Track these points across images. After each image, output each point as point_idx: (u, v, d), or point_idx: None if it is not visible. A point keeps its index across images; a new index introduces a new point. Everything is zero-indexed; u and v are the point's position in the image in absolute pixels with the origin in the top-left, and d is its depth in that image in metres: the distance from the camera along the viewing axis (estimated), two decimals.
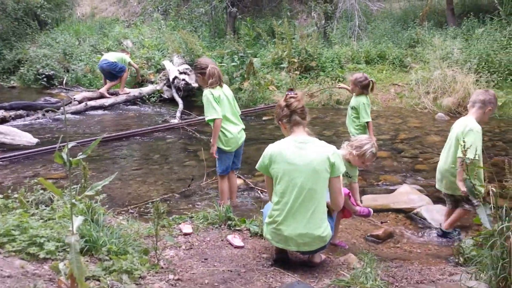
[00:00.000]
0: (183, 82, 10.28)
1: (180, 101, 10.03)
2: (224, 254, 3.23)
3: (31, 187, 3.72)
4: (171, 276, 2.73)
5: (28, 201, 3.46)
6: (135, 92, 10.70)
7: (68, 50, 13.59)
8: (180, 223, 3.78)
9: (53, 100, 9.77)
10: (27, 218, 2.94)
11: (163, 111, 9.98)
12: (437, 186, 4.13)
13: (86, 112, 9.60)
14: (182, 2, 16.60)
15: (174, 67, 10.91)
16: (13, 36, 15.12)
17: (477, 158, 3.31)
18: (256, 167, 3.18)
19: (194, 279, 2.77)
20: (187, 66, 10.83)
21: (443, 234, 4.05)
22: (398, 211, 4.68)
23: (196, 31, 14.19)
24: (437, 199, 4.83)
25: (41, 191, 3.66)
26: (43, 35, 15.30)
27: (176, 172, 5.99)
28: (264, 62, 11.64)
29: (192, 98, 10.63)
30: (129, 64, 10.75)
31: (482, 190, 2.94)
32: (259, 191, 5.22)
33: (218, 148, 4.49)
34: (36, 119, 8.76)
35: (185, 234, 3.56)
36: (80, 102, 9.74)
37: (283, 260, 3.15)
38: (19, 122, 8.50)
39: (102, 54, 12.24)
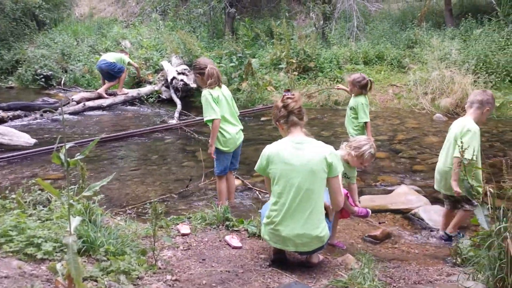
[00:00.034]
0: (182, 82, 10.28)
1: (178, 101, 10.03)
2: (222, 255, 3.23)
3: (28, 187, 3.72)
4: (168, 277, 2.73)
5: (25, 202, 3.46)
6: (133, 92, 10.69)
7: (66, 50, 13.59)
8: (178, 224, 3.78)
9: (51, 100, 9.76)
10: (24, 218, 2.93)
11: (161, 111, 9.98)
12: (435, 187, 4.12)
13: (84, 113, 9.58)
14: (180, 3, 16.61)
15: (173, 68, 10.91)
16: (11, 36, 15.10)
17: (474, 158, 3.32)
18: (255, 168, 3.19)
19: (192, 280, 2.77)
20: (185, 67, 10.83)
21: (449, 238, 4.04)
22: (396, 211, 4.69)
23: (195, 32, 14.19)
24: (435, 199, 4.84)
25: (39, 192, 3.65)
26: (41, 36, 15.31)
27: (174, 173, 5.98)
28: (263, 62, 11.65)
29: (190, 99, 10.63)
30: (129, 63, 10.75)
31: (481, 190, 2.94)
32: (257, 192, 5.23)
33: (216, 148, 4.49)
34: (34, 120, 8.75)
35: (183, 235, 3.56)
36: (78, 102, 9.73)
37: (281, 260, 3.15)
38: (17, 122, 8.49)
39: (100, 55, 12.24)
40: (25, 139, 7.03)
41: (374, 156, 3.72)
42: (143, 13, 17.97)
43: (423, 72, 9.98)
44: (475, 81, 9.11)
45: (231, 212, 4.03)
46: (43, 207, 3.42)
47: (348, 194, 3.61)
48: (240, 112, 4.83)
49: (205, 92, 4.37)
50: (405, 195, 4.95)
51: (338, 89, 6.96)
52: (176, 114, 9.20)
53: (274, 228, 3.00)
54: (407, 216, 4.60)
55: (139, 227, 3.53)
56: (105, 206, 3.66)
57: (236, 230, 3.73)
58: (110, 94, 10.42)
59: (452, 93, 9.05)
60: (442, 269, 3.23)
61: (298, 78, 10.89)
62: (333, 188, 3.08)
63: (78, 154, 2.00)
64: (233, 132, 4.51)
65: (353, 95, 5.59)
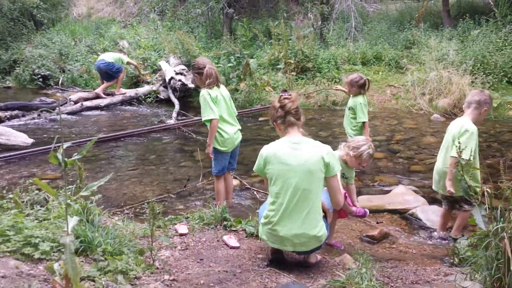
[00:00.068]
0: (179, 82, 10.27)
1: (176, 101, 10.02)
2: (219, 255, 3.23)
3: (26, 187, 3.71)
4: (166, 277, 2.73)
5: (23, 202, 3.45)
6: (131, 92, 10.69)
7: (64, 50, 13.57)
8: (175, 224, 3.78)
9: (49, 100, 9.75)
10: (22, 218, 2.93)
11: (159, 111, 9.97)
12: (434, 187, 4.12)
13: (82, 113, 9.57)
14: (178, 3, 16.60)
15: (171, 68, 10.90)
16: (9, 36, 15.07)
17: (471, 159, 3.32)
18: (253, 169, 3.20)
19: (189, 280, 2.76)
20: (183, 67, 10.82)
21: (455, 241, 4.04)
22: (393, 211, 4.69)
23: (193, 32, 14.18)
24: (432, 200, 4.85)
25: (36, 192, 3.65)
26: (39, 35, 15.28)
27: (172, 173, 5.98)
28: (261, 63, 11.65)
29: (188, 99, 10.62)
30: (128, 63, 10.76)
31: (478, 190, 2.94)
32: (255, 192, 5.23)
33: (214, 148, 4.49)
34: (31, 120, 8.73)
35: (181, 235, 3.56)
36: (75, 102, 9.72)
37: (279, 260, 3.15)
38: (15, 122, 8.47)
39: (98, 55, 12.23)
40: (23, 139, 7.02)
41: (372, 157, 3.73)
42: (141, 13, 17.95)
43: (421, 72, 10.00)
44: (472, 82, 9.13)
45: (229, 212, 4.03)
46: (41, 207, 3.41)
47: (346, 194, 3.62)
48: (238, 112, 4.84)
49: (204, 92, 4.37)
50: (402, 195, 4.96)
51: (336, 90, 6.98)
52: (174, 114, 9.19)
53: (272, 228, 3.01)
54: (404, 216, 4.61)
55: (137, 227, 3.53)
56: (102, 206, 3.65)
57: (234, 230, 3.73)
58: (108, 94, 10.41)
59: (450, 93, 9.06)
60: (439, 269, 3.24)
61: (296, 79, 10.90)
62: (332, 188, 3.09)
63: (76, 154, 2.00)
64: (231, 132, 4.51)
65: (351, 95, 5.60)
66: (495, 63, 9.64)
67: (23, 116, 8.81)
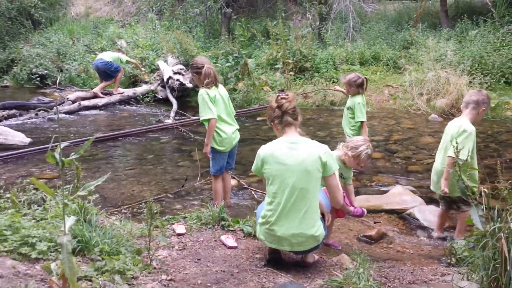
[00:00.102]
0: (177, 82, 10.26)
1: (174, 101, 10.02)
2: (217, 255, 3.23)
3: (23, 187, 3.70)
4: (164, 277, 2.73)
5: (20, 201, 3.44)
6: (129, 92, 10.67)
7: (62, 49, 13.54)
8: (173, 224, 3.77)
9: (46, 99, 9.72)
10: (19, 218, 2.92)
11: (157, 111, 9.95)
12: (432, 188, 4.12)
13: (80, 112, 9.54)
14: (176, 2, 16.58)
15: (169, 67, 10.89)
16: (7, 35, 15.03)
17: (468, 159, 3.33)
18: (251, 170, 3.20)
19: (187, 280, 2.76)
20: (181, 66, 10.81)
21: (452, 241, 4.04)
22: (391, 211, 4.70)
23: (191, 32, 14.17)
24: (430, 200, 4.86)
25: (34, 191, 3.64)
26: (37, 35, 15.24)
27: (170, 172, 5.98)
28: (259, 62, 11.65)
29: (186, 99, 10.61)
30: (127, 61, 10.75)
31: (475, 190, 2.95)
32: (252, 192, 5.23)
33: (212, 148, 4.49)
34: (29, 119, 8.71)
35: (178, 235, 3.56)
36: (73, 102, 9.69)
37: (276, 260, 3.15)
38: (12, 121, 8.45)
39: (96, 54, 12.20)
40: (20, 138, 7.00)
41: (370, 157, 3.74)
42: (139, 12, 17.93)
43: (419, 73, 10.01)
44: (470, 82, 9.15)
45: (227, 212, 4.03)
46: (38, 206, 3.41)
47: (344, 194, 3.62)
48: (236, 112, 4.83)
49: (202, 92, 4.37)
50: (400, 195, 4.97)
51: (334, 90, 6.98)
52: (172, 114, 9.18)
53: (269, 228, 3.01)
54: (402, 216, 4.62)
55: (134, 227, 3.53)
56: (100, 206, 3.64)
57: (231, 230, 3.73)
58: (106, 94, 10.40)
59: (448, 94, 9.08)
60: (436, 269, 3.25)
61: (294, 79, 10.90)
62: (331, 186, 3.10)
63: (73, 153, 2.00)
64: (229, 132, 4.51)
65: (350, 95, 5.61)
66: (493, 63, 9.66)
67: (21, 115, 8.79)
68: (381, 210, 4.73)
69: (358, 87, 5.47)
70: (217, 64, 10.85)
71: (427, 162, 6.17)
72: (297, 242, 2.99)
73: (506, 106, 9.00)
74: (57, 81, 12.31)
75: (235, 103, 9.12)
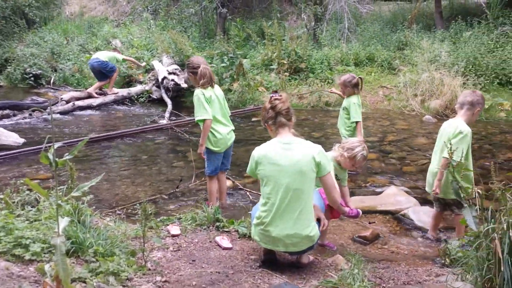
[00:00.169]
0: (172, 82, 10.24)
1: (169, 101, 9.99)
2: (212, 256, 3.23)
3: (17, 187, 3.68)
4: (158, 278, 2.72)
5: (13, 202, 3.42)
6: (123, 92, 10.63)
7: (56, 49, 13.48)
8: (168, 225, 3.76)
9: (40, 99, 9.67)
10: (12, 219, 2.91)
11: (152, 111, 9.93)
12: (427, 189, 4.10)
13: (74, 112, 9.50)
14: (172, 2, 16.54)
15: (163, 67, 10.87)
16: (0, 34, 14.92)
17: (463, 160, 3.34)
18: (246, 171, 3.20)
19: (181, 281, 2.76)
20: (176, 67, 10.79)
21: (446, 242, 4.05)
22: (385, 212, 4.71)
23: (186, 32, 14.14)
24: (424, 200, 4.88)
25: (27, 192, 3.62)
26: (31, 34, 15.16)
27: (165, 173, 5.96)
28: (254, 63, 11.65)
29: (181, 99, 10.59)
30: (123, 60, 10.72)
31: (470, 191, 2.96)
32: (247, 193, 5.22)
33: (207, 148, 4.48)
34: (23, 119, 8.66)
35: (173, 236, 3.55)
36: (67, 102, 9.64)
37: (271, 261, 3.15)
38: (6, 121, 8.39)
39: (90, 54, 12.15)
40: (14, 138, 6.95)
41: (366, 158, 3.75)
42: (134, 12, 17.88)
43: (413, 74, 10.05)
44: (464, 83, 9.20)
45: (222, 212, 4.03)
46: (32, 207, 3.39)
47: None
48: (231, 113, 4.83)
49: (198, 92, 4.36)
50: (394, 196, 4.98)
51: (331, 92, 7.00)
52: (167, 114, 9.16)
53: (264, 228, 3.01)
54: (396, 217, 4.63)
55: (129, 228, 3.52)
56: (94, 207, 3.62)
57: (226, 231, 3.73)
58: (100, 94, 10.36)
59: (442, 95, 9.12)
60: (431, 269, 3.26)
61: (289, 79, 10.91)
62: (327, 186, 3.11)
63: (67, 154, 1.99)
64: (224, 132, 4.50)
65: (346, 96, 5.62)
66: (487, 64, 9.72)
67: (14, 115, 8.74)
68: (376, 211, 4.73)
69: (353, 87, 5.48)
70: (212, 65, 10.83)
71: (421, 163, 6.20)
72: (291, 243, 2.99)
73: (499, 107, 9.06)
74: (51, 81, 12.25)
75: (230, 103, 9.11)
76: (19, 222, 2.89)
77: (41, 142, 6.86)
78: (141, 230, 2.92)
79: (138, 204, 4.31)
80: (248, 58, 11.78)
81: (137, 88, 10.92)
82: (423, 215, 4.50)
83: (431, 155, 4.13)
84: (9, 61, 13.13)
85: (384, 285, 2.90)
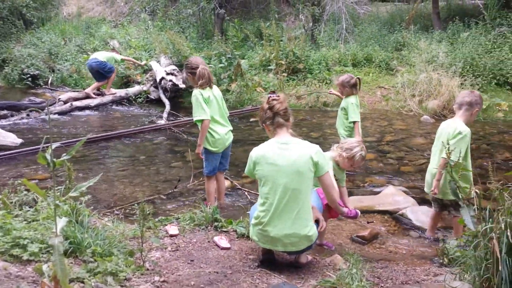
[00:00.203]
0: (170, 83, 10.23)
1: (167, 102, 9.99)
2: (210, 256, 3.23)
3: (14, 188, 3.68)
4: (156, 278, 2.71)
5: (11, 202, 3.42)
6: (121, 92, 10.62)
7: (53, 50, 13.44)
8: (166, 225, 3.76)
9: (38, 100, 9.66)
10: (10, 219, 2.90)
11: (150, 112, 9.92)
12: (426, 190, 4.10)
13: (72, 113, 9.48)
14: (169, 3, 16.53)
15: (161, 68, 10.86)
16: None
17: (460, 160, 3.34)
18: (244, 172, 3.20)
19: (180, 281, 2.75)
20: (174, 67, 10.79)
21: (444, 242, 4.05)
22: (383, 212, 4.72)
23: (184, 32, 14.14)
24: (422, 200, 4.89)
25: (25, 192, 3.62)
26: (29, 35, 15.13)
27: (163, 173, 5.96)
28: (252, 63, 11.65)
29: (179, 99, 10.59)
30: (122, 60, 10.71)
31: (467, 191, 2.97)
32: (246, 193, 5.22)
33: (205, 148, 4.48)
34: (20, 119, 8.64)
35: (171, 236, 3.55)
36: (65, 102, 9.63)
37: (270, 261, 3.15)
38: (3, 122, 8.37)
39: (88, 54, 12.12)
40: (11, 139, 6.94)
41: (364, 159, 3.76)
42: (132, 13, 17.85)
43: (411, 74, 10.06)
44: (462, 84, 9.22)
45: (221, 212, 4.03)
46: (29, 207, 3.38)
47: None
48: (229, 113, 4.83)
49: (196, 92, 4.36)
50: (392, 196, 4.99)
51: (330, 93, 7.02)
52: (165, 115, 9.16)
53: (263, 228, 3.01)
54: (394, 216, 4.64)
55: (127, 228, 3.51)
56: (92, 207, 3.63)
57: (225, 231, 3.72)
58: (98, 94, 10.34)
59: (439, 95, 9.14)
60: (429, 269, 3.26)
61: (287, 80, 10.91)
62: (325, 185, 3.11)
63: (65, 154, 1.98)
64: (222, 133, 4.50)
65: (344, 96, 5.63)
66: (484, 65, 9.74)
67: (12, 116, 8.72)
68: (374, 211, 4.74)
69: (351, 88, 5.49)
70: (210, 65, 10.82)
71: (419, 163, 6.21)
72: (290, 242, 2.99)
73: (497, 107, 9.08)
74: (49, 82, 12.22)
75: (228, 104, 9.08)
76: (17, 223, 2.89)
77: (38, 143, 6.85)
78: (139, 230, 2.92)
79: (136, 204, 4.28)
80: (246, 59, 11.78)
81: (135, 89, 10.91)
82: (421, 215, 4.51)
83: (429, 155, 4.14)
84: (7, 61, 13.09)
85: (383, 285, 2.90)
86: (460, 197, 2.87)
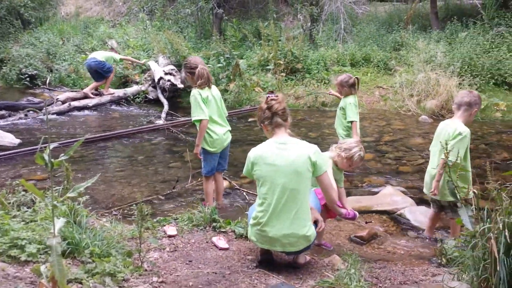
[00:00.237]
0: (169, 83, 10.22)
1: (165, 102, 9.98)
2: (208, 256, 3.22)
3: (12, 188, 3.67)
4: (155, 279, 2.71)
5: (9, 203, 3.41)
6: (119, 92, 10.60)
7: (51, 49, 13.41)
8: (164, 225, 3.76)
9: (36, 100, 9.64)
10: (8, 220, 2.89)
11: (148, 112, 9.91)
12: (425, 191, 4.09)
13: (70, 113, 9.46)
14: (168, 3, 16.52)
15: (160, 68, 10.85)
16: None
17: (459, 161, 3.34)
18: (243, 172, 3.20)
19: (178, 282, 2.75)
20: (172, 67, 10.78)
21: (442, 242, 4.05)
22: (382, 212, 4.72)
23: (182, 32, 14.13)
24: (420, 200, 4.89)
25: (23, 193, 3.61)
26: (27, 35, 15.09)
27: (161, 174, 5.95)
28: (250, 63, 11.64)
29: (177, 99, 10.58)
30: (121, 59, 10.70)
31: (465, 191, 2.97)
32: (244, 193, 5.22)
33: (203, 149, 4.48)
34: (18, 120, 8.62)
35: (170, 236, 3.54)
36: (63, 102, 9.61)
37: (268, 261, 3.15)
38: (1, 122, 8.35)
39: (86, 54, 12.10)
40: (9, 139, 6.93)
41: (363, 159, 3.76)
42: (130, 12, 17.84)
43: (409, 74, 10.07)
44: (460, 84, 9.22)
45: (219, 213, 4.02)
46: (27, 208, 3.38)
47: None
48: (227, 113, 4.83)
49: (195, 92, 4.35)
50: (391, 196, 4.99)
51: (330, 94, 7.03)
52: (163, 115, 9.15)
53: (261, 229, 3.01)
54: (393, 217, 4.64)
55: (125, 229, 3.51)
56: (90, 208, 3.62)
57: (223, 231, 3.72)
58: (96, 94, 10.32)
59: (438, 95, 9.15)
60: (427, 269, 3.27)
61: (285, 79, 10.91)
62: (324, 185, 3.11)
63: (63, 154, 1.98)
64: (220, 133, 4.50)
65: (343, 96, 5.63)
66: (482, 65, 9.75)
67: (10, 116, 8.70)
68: (372, 211, 4.75)
69: (350, 87, 5.50)
70: (208, 65, 10.81)
71: (418, 163, 6.22)
72: (288, 243, 2.99)
73: (495, 107, 9.09)
74: (47, 82, 12.19)
75: (226, 104, 9.04)
76: (15, 223, 2.88)
77: (36, 143, 6.84)
78: (138, 230, 2.91)
79: (134, 205, 4.28)
80: (244, 59, 11.78)
81: (133, 89, 10.90)
82: (419, 215, 4.51)
83: (427, 155, 4.14)
84: (5, 61, 13.05)
85: (381, 285, 2.91)
86: (458, 197, 2.87)
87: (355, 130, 5.49)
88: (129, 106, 10.43)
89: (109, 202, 4.90)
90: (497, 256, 2.27)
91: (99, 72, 10.11)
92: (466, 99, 3.80)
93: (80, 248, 2.74)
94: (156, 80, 10.56)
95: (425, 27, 12.62)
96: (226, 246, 3.41)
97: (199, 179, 5.33)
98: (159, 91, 10.50)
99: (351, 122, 5.47)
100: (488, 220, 2.46)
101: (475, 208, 2.64)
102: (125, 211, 4.56)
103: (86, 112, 9.71)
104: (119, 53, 11.36)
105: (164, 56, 11.63)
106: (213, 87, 4.55)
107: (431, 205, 4.14)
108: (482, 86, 9.48)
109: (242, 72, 10.53)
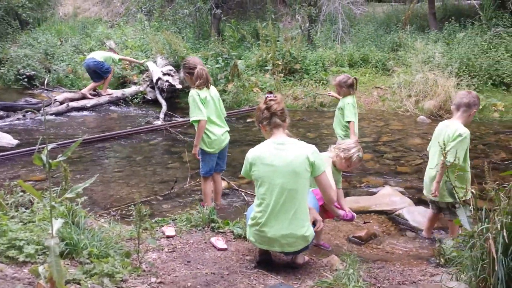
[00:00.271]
0: (167, 83, 10.21)
1: (163, 102, 9.97)
2: (207, 257, 3.22)
3: (10, 189, 3.66)
4: (153, 279, 2.71)
5: (7, 204, 3.40)
6: (118, 93, 10.59)
7: (49, 50, 13.38)
8: (163, 226, 3.75)
9: (34, 101, 9.61)
10: (6, 220, 2.89)
11: (147, 112, 9.90)
12: (424, 192, 4.07)
13: (68, 113, 9.44)
14: (166, 3, 16.50)
15: (158, 68, 10.83)
16: None
17: (461, 162, 3.34)
18: (241, 173, 3.20)
19: (176, 282, 2.75)
20: (170, 68, 10.76)
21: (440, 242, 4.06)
22: (380, 212, 4.72)
23: (180, 32, 14.12)
24: (418, 201, 4.90)
25: (21, 193, 3.60)
26: (24, 35, 15.06)
27: (159, 174, 5.94)
28: (249, 64, 11.64)
29: (175, 100, 10.56)
30: (120, 59, 10.68)
31: (463, 192, 2.97)
32: (243, 193, 5.22)
33: (202, 149, 4.47)
34: (16, 120, 8.60)
35: (168, 237, 3.54)
36: (61, 103, 9.59)
37: (266, 261, 3.15)
38: None
39: (84, 55, 12.08)
40: (7, 140, 6.91)
41: (361, 160, 3.76)
42: (128, 13, 17.82)
43: (407, 74, 10.08)
44: (458, 84, 9.24)
45: (217, 213, 4.02)
46: (25, 209, 3.37)
47: None
48: (226, 113, 4.83)
49: (193, 92, 4.35)
50: (389, 196, 4.99)
51: (329, 95, 7.04)
52: (161, 115, 9.14)
53: (260, 229, 3.01)
54: (391, 217, 4.64)
55: (123, 229, 3.50)
56: (88, 208, 3.61)
57: (221, 232, 3.72)
58: (94, 95, 10.31)
59: (436, 95, 9.16)
60: (425, 269, 3.27)
61: (284, 80, 10.92)
62: (322, 185, 3.11)
63: (61, 155, 1.98)
64: (218, 133, 4.50)
65: (341, 96, 5.64)
66: (480, 65, 9.77)
67: (8, 117, 8.68)
68: (371, 211, 4.75)
69: (348, 88, 5.51)
70: (207, 65, 10.80)
71: (416, 163, 6.23)
72: (287, 243, 2.99)
73: (493, 107, 9.10)
74: (45, 82, 12.17)
75: (224, 104, 9.04)
76: (13, 224, 2.88)
77: (35, 144, 6.82)
78: (136, 231, 2.91)
79: (132, 205, 4.30)
80: (242, 59, 11.77)
81: (132, 89, 10.89)
82: (417, 215, 4.51)
83: (425, 155, 4.14)
84: (3, 62, 13.01)
85: (379, 285, 2.91)
86: (457, 197, 2.88)
87: (352, 130, 5.49)
88: (127, 106, 10.42)
89: (107, 202, 4.90)
90: (495, 256, 2.27)
91: (98, 73, 10.09)
92: (465, 100, 3.79)
93: (78, 249, 2.73)
94: (154, 80, 10.54)
95: (423, 27, 12.63)
96: (225, 246, 3.41)
97: (198, 180, 5.33)
98: (157, 91, 10.48)
99: (349, 122, 5.48)
100: (486, 220, 2.46)
101: (473, 208, 2.64)
102: (124, 211, 4.56)
103: (84, 112, 9.69)
104: (117, 53, 11.35)
105: (162, 57, 11.62)
106: (212, 87, 4.55)
107: (430, 206, 4.14)
108: (480, 87, 9.50)
109: (241, 73, 10.53)
